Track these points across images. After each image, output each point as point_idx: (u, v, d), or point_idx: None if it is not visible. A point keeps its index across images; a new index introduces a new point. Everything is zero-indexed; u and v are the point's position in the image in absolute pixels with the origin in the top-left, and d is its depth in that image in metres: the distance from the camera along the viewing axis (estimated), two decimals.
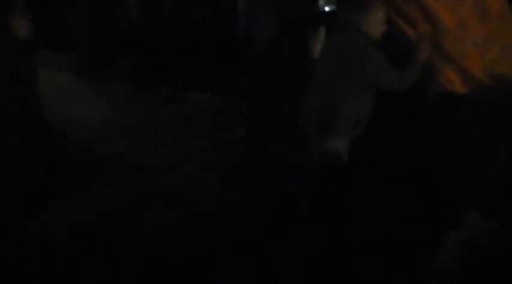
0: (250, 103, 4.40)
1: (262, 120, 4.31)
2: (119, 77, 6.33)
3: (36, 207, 3.52)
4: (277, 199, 3.63)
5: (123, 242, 3.29)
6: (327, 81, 3.06)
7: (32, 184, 3.52)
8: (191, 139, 4.71)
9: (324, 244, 3.14)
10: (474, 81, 3.09)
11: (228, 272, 2.99)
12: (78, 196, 3.74)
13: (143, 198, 3.77)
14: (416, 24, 3.04)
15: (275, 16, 4.00)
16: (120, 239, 3.32)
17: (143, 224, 3.48)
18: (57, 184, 3.73)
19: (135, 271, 3.00)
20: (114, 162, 4.30)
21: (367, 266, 3.00)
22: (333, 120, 2.95)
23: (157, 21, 5.87)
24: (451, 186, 3.20)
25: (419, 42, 3.00)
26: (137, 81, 6.06)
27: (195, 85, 5.82)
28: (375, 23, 2.99)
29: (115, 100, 5.65)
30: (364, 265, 3.01)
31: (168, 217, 3.57)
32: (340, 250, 3.14)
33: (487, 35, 3.03)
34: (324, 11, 4.26)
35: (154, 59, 5.93)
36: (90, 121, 5.05)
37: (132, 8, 6.06)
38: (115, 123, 5.08)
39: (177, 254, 3.21)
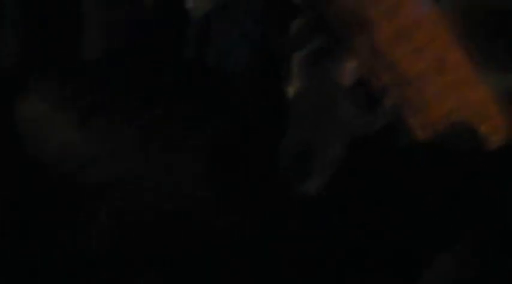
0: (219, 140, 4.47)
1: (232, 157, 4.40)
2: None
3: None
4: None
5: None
6: (304, 124, 3.27)
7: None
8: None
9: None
10: (433, 128, 3.33)
11: None
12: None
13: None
14: (380, 74, 3.28)
15: (249, 47, 4.07)
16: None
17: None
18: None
19: None
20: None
21: None
22: (310, 164, 3.15)
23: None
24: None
25: (385, 92, 3.24)
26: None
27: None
28: (350, 72, 3.23)
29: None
30: None
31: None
32: None
33: (444, 85, 3.27)
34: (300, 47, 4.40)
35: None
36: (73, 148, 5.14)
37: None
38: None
39: None
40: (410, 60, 3.04)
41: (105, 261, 3.53)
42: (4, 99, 3.59)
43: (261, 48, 3.59)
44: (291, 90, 3.58)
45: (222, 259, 3.34)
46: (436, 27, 2.99)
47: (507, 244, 2.47)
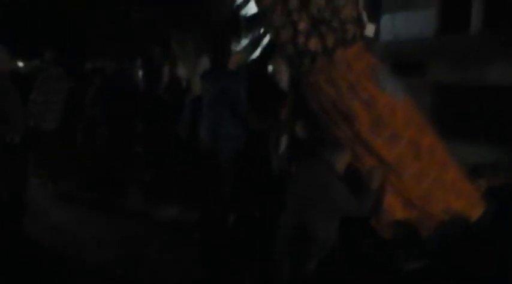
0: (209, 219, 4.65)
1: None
2: None
3: None
4: None
5: None
6: (299, 207, 3.50)
7: None
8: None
9: None
10: (413, 206, 3.57)
11: None
12: None
13: None
14: (364, 159, 3.55)
15: (240, 128, 4.32)
16: None
17: None
18: None
19: None
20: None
21: None
22: (305, 245, 3.36)
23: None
24: None
25: (370, 175, 3.51)
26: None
27: (158, 198, 6.19)
28: (343, 161, 3.52)
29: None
30: None
31: None
32: None
33: (420, 168, 3.55)
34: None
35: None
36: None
37: None
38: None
39: None
40: (388, 146, 3.39)
41: None
42: None
43: (251, 134, 3.88)
44: (285, 173, 3.83)
45: None
46: (410, 115, 3.35)
47: None
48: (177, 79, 8.84)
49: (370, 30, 3.33)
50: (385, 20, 12.90)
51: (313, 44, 2.70)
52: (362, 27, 3.08)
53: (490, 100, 11.22)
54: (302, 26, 2.59)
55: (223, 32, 7.77)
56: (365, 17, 3.15)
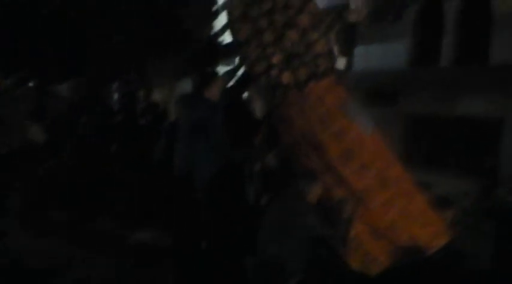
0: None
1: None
2: None
3: None
4: None
5: None
6: (271, 236, 3.57)
7: None
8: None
9: None
10: (381, 235, 3.66)
11: None
12: None
13: None
14: (334, 189, 3.64)
15: (215, 157, 4.36)
16: None
17: None
18: None
19: None
20: None
21: None
22: (276, 274, 3.42)
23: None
24: None
25: (339, 205, 3.61)
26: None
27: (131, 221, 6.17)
28: (315, 191, 3.60)
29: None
30: None
31: None
32: None
33: (387, 198, 3.65)
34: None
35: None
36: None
37: None
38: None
39: None
40: (357, 177, 3.51)
41: None
42: None
43: (226, 161, 3.95)
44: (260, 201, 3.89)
45: None
46: (378, 147, 3.48)
47: None
48: (153, 103, 8.91)
49: (341, 63, 3.45)
50: (359, 51, 13.17)
51: (286, 77, 2.79)
52: (333, 61, 3.19)
53: (459, 131, 11.49)
54: (276, 59, 2.68)
55: (199, 59, 7.88)
56: (336, 51, 3.27)
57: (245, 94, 4.43)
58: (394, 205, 3.61)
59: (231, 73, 4.32)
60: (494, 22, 10.68)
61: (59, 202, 6.78)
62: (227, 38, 6.52)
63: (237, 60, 4.37)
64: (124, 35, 8.62)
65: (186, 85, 8.08)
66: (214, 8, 8.74)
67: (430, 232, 3.66)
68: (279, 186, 3.85)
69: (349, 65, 8.96)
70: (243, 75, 4.08)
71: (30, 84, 12.00)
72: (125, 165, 6.83)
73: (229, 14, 2.54)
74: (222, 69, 6.51)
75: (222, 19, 8.46)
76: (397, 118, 12.26)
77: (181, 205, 4.37)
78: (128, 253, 5.41)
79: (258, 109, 4.08)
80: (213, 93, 4.20)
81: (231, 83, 4.40)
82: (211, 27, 9.08)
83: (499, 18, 10.50)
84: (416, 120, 12.28)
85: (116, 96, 10.92)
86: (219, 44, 8.06)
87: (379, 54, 12.61)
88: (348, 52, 7.46)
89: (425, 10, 12.36)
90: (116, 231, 6.08)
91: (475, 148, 11.15)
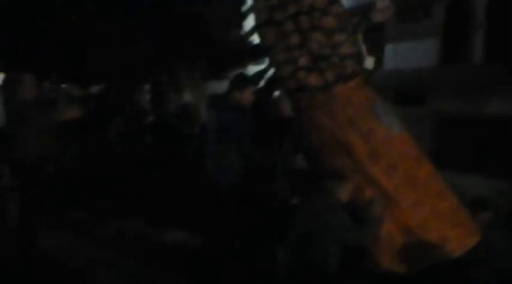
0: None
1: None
2: None
3: None
4: None
5: None
6: (303, 235, 3.60)
7: None
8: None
9: None
10: (411, 234, 3.66)
11: None
12: None
13: None
14: (363, 189, 3.65)
15: (244, 161, 4.38)
16: None
17: None
18: None
19: None
20: None
21: None
22: (307, 274, 3.46)
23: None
24: None
25: (370, 205, 3.62)
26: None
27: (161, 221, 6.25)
28: (345, 192, 3.62)
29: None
30: None
31: None
32: None
33: (417, 198, 3.65)
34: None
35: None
36: None
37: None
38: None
39: None
40: (386, 176, 3.51)
41: None
42: None
43: (254, 167, 3.99)
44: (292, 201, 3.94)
45: None
46: (406, 146, 3.49)
47: None
48: (184, 104, 9.02)
49: (369, 63, 3.46)
50: (388, 49, 13.09)
51: (314, 79, 2.82)
52: (361, 62, 3.21)
53: (490, 131, 11.33)
54: (302, 61, 2.71)
55: (228, 61, 7.94)
56: (364, 51, 3.28)
57: (274, 97, 4.47)
58: (425, 205, 3.61)
59: (259, 76, 4.35)
60: None
61: (86, 201, 6.88)
62: (256, 39, 6.56)
63: (266, 62, 4.41)
64: (153, 39, 8.77)
65: (216, 87, 8.16)
66: (243, 10, 8.80)
67: (460, 232, 3.64)
68: (309, 186, 3.87)
69: (378, 64, 8.93)
70: (271, 77, 4.12)
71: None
72: (156, 165, 6.93)
73: (256, 19, 2.59)
74: (252, 70, 6.58)
75: (251, 20, 8.52)
76: (425, 117, 12.16)
77: (210, 206, 4.42)
78: (156, 254, 5.50)
79: (287, 111, 4.10)
80: (243, 96, 4.23)
81: (259, 86, 4.44)
82: (240, 29, 9.16)
83: None
84: (446, 120, 12.15)
85: (147, 97, 11.10)
86: (248, 46, 8.11)
87: (409, 52, 12.52)
88: (375, 52, 7.45)
89: (454, 7, 12.24)
90: (144, 232, 6.17)
91: (506, 148, 10.99)
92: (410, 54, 12.43)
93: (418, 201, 3.62)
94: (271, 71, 3.94)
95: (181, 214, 6.00)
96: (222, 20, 8.09)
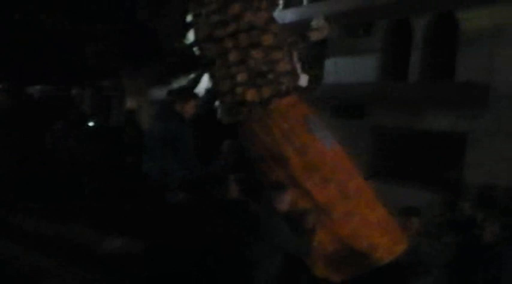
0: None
1: None
2: None
3: None
4: None
5: None
6: (246, 241, 3.69)
7: None
8: None
9: None
10: (342, 243, 3.83)
11: None
12: None
13: None
14: (298, 201, 3.80)
15: (184, 171, 4.45)
16: None
17: None
18: None
19: None
20: None
21: None
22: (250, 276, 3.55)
23: None
24: None
25: (303, 216, 3.76)
26: None
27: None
28: (285, 201, 3.74)
29: None
30: None
31: None
32: None
33: (348, 208, 3.82)
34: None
35: None
36: None
37: None
38: None
39: None
40: (319, 188, 3.70)
41: None
42: None
43: (194, 170, 4.08)
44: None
45: None
46: (339, 160, 3.69)
47: None
48: (127, 110, 8.96)
49: (303, 80, 3.61)
50: (329, 63, 13.43)
51: (251, 94, 2.92)
52: (296, 79, 3.35)
53: (425, 145, 11.80)
54: (241, 77, 2.81)
55: (173, 69, 7.99)
56: (299, 69, 3.41)
57: (215, 110, 4.55)
58: (355, 215, 3.78)
59: (194, 83, 4.42)
60: (460, 40, 11.08)
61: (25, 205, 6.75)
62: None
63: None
64: (98, 43, 8.70)
65: (159, 94, 8.15)
66: (187, 21, 8.84)
67: (389, 240, 3.83)
68: (250, 196, 3.96)
69: (315, 81, 9.15)
70: (210, 92, 4.20)
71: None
72: (96, 171, 6.86)
73: (196, 35, 2.67)
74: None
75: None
76: (364, 130, 12.54)
77: (154, 212, 4.43)
78: (98, 261, 5.45)
79: (226, 124, 4.18)
80: (185, 108, 4.29)
81: (199, 98, 4.51)
82: (184, 39, 9.21)
83: (465, 37, 10.88)
84: (383, 133, 12.58)
85: (89, 101, 10.95)
86: (192, 56, 8.17)
87: (349, 67, 12.89)
88: (311, 70, 7.66)
89: (394, 27, 12.70)
90: (85, 239, 6.09)
91: (440, 161, 11.47)
92: (350, 69, 12.81)
93: (349, 211, 3.79)
94: (209, 83, 4.02)
95: (123, 220, 5.96)
96: (168, 29, 8.13)
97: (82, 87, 10.94)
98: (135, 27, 7.92)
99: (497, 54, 10.35)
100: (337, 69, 12.64)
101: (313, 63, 8.30)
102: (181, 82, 8.28)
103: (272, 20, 2.77)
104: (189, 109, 4.26)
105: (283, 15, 13.33)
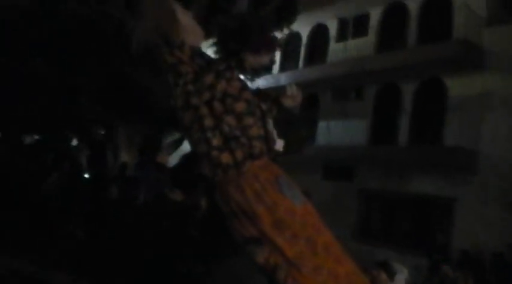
0: None
1: None
2: None
3: None
4: None
5: None
6: None
7: None
8: None
9: None
10: None
11: None
12: None
13: None
14: (270, 256, 3.98)
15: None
16: None
17: None
18: None
19: None
20: None
21: None
22: None
23: None
24: None
25: (275, 270, 3.94)
26: None
27: None
28: (261, 255, 3.93)
29: None
30: None
31: None
32: None
33: (317, 263, 3.98)
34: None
35: None
36: None
37: None
38: None
39: None
40: (289, 245, 3.95)
41: None
42: None
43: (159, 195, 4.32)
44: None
45: None
46: (307, 218, 3.95)
47: None
48: (121, 163, 9.16)
49: (279, 145, 3.86)
50: (321, 126, 13.82)
51: (225, 157, 3.14)
52: (269, 143, 3.59)
53: (413, 209, 11.99)
54: (215, 142, 3.04)
55: (160, 128, 8.34)
56: (275, 135, 3.65)
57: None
58: (323, 269, 3.94)
59: (176, 145, 4.79)
60: (448, 105, 11.46)
61: None
62: None
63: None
64: (96, 96, 8.98)
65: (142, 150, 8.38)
66: None
67: None
68: (226, 250, 4.15)
69: (301, 142, 9.50)
70: (189, 154, 4.51)
71: None
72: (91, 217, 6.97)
73: (174, 103, 2.91)
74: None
75: None
76: (353, 192, 12.76)
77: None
78: None
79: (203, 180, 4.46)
80: (162, 158, 4.73)
81: (179, 155, 4.87)
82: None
83: (453, 102, 11.27)
84: (371, 196, 12.79)
85: (85, 154, 11.20)
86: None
87: (341, 130, 13.26)
88: (297, 131, 7.99)
89: (384, 92, 13.13)
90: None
91: (426, 225, 11.62)
92: (342, 132, 13.16)
93: (318, 266, 3.95)
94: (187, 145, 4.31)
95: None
96: (164, 89, 8.40)
97: (78, 138, 11.20)
98: (131, 83, 8.26)
99: (485, 120, 10.75)
100: (329, 131, 13.01)
101: (301, 125, 8.64)
102: (169, 138, 8.63)
103: (245, 87, 3.02)
104: (164, 159, 4.66)
105: (279, 78, 13.88)
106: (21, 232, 6.68)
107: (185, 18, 2.71)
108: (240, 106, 3.17)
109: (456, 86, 11.14)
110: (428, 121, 11.67)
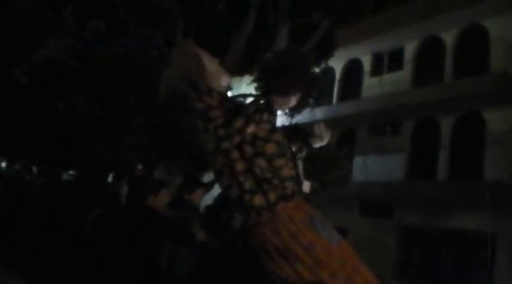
0: None
1: None
2: None
3: None
4: None
5: None
6: None
7: None
8: None
9: None
10: None
11: None
12: None
13: None
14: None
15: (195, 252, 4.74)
16: None
17: None
18: None
19: None
20: None
21: None
22: None
23: None
24: None
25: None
26: None
27: None
28: None
29: None
30: None
31: None
32: None
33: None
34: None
35: None
36: None
37: None
38: None
39: None
40: None
41: None
42: None
43: (202, 261, 4.30)
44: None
45: None
46: (345, 256, 3.92)
47: None
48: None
49: (306, 187, 3.86)
50: (358, 162, 13.70)
51: (258, 200, 3.13)
52: (300, 184, 3.58)
53: (453, 245, 11.67)
54: (247, 185, 3.04)
55: (200, 167, 8.40)
56: (301, 177, 3.65)
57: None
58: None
59: (210, 185, 4.80)
60: (487, 139, 11.25)
61: None
62: None
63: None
64: (139, 135, 9.17)
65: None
66: None
67: None
68: None
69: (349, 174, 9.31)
70: (220, 198, 4.54)
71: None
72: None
73: (205, 148, 2.92)
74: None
75: None
76: (392, 229, 12.52)
77: None
78: None
79: (237, 225, 4.47)
80: (193, 197, 4.76)
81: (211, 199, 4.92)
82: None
83: (492, 136, 11.07)
84: (410, 232, 12.54)
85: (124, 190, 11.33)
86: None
87: (378, 166, 13.13)
88: (331, 169, 7.92)
89: (422, 126, 12.99)
90: None
91: (468, 261, 11.28)
92: (379, 167, 13.02)
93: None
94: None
95: None
96: (195, 126, 8.49)
97: (118, 177, 11.38)
98: (168, 123, 8.41)
99: None
100: (366, 167, 12.89)
101: (339, 161, 8.55)
102: (207, 178, 8.67)
103: (274, 129, 3.04)
104: (196, 197, 4.67)
105: (314, 113, 13.90)
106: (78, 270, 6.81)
107: (211, 64, 2.77)
108: (270, 148, 3.18)
109: (495, 120, 10.97)
110: (467, 155, 11.46)
